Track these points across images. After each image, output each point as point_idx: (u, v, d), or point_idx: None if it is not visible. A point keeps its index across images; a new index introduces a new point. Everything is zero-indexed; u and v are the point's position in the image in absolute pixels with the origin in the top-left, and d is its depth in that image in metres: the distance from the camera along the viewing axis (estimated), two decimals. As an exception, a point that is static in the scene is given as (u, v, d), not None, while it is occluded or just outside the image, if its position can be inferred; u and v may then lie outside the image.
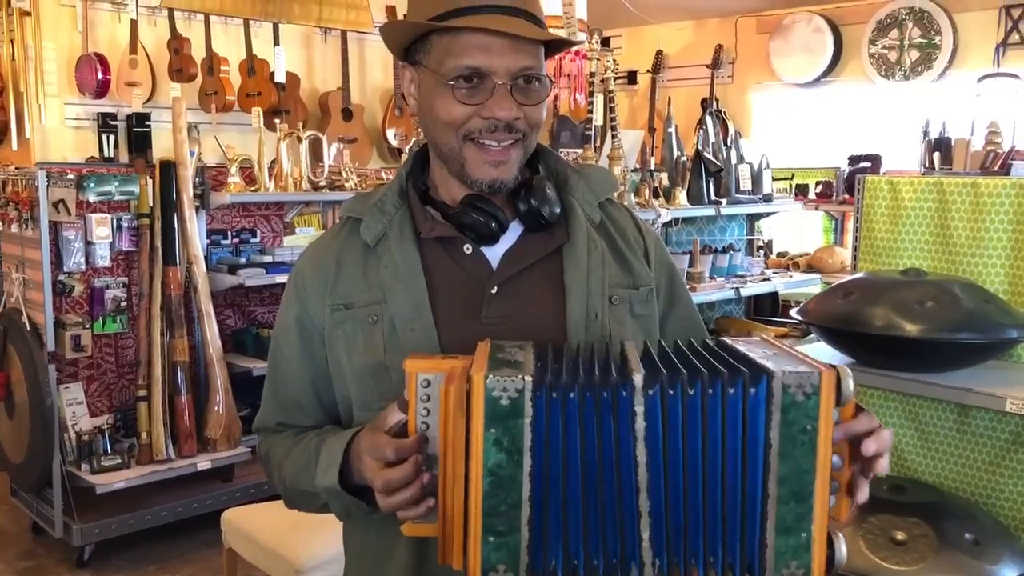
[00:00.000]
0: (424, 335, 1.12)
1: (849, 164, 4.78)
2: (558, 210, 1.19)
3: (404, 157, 5.03)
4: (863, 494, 0.97)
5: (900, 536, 2.03)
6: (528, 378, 0.91)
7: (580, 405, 0.92)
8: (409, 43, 1.15)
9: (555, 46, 1.19)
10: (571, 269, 1.18)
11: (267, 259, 4.07)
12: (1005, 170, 2.50)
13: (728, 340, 1.06)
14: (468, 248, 1.18)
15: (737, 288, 3.87)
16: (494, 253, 1.18)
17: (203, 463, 3.72)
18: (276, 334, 1.26)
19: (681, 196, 3.83)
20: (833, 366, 0.94)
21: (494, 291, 1.16)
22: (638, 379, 0.92)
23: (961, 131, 3.62)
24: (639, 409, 0.92)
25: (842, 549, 0.95)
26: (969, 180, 2.32)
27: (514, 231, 1.19)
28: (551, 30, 1.18)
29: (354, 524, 1.23)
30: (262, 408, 1.30)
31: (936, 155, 2.67)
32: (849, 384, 0.93)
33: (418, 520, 1.01)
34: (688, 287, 3.88)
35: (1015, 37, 4.63)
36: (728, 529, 0.95)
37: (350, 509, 1.13)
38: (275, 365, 1.27)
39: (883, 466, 0.97)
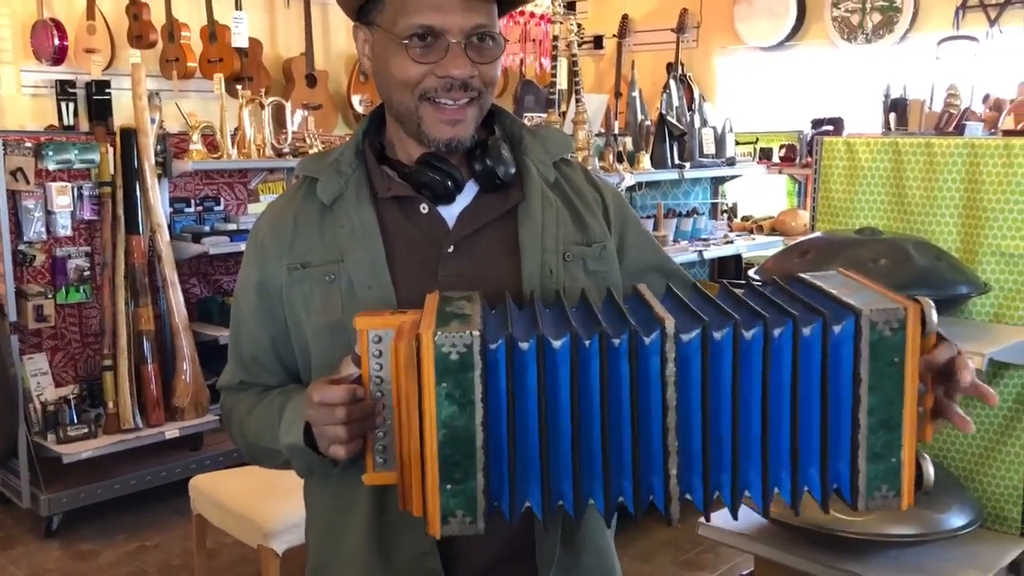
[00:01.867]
0: (381, 294, 1.14)
1: (812, 127, 4.82)
2: (513, 170, 1.21)
3: (369, 123, 5.00)
4: (953, 412, 1.00)
5: (854, 488, 2.09)
6: (475, 333, 0.93)
7: (573, 353, 0.95)
8: (363, 2, 1.15)
9: (507, 4, 1.19)
10: (526, 227, 1.19)
11: (231, 227, 4.05)
12: (959, 130, 2.55)
13: (807, 276, 1.08)
14: (424, 208, 1.19)
15: (700, 251, 3.91)
16: (450, 213, 1.19)
17: (171, 432, 3.72)
18: (237, 294, 1.27)
19: (645, 160, 3.85)
20: (917, 300, 0.97)
21: (450, 250, 1.17)
22: (670, 325, 0.95)
23: (922, 94, 3.67)
24: (671, 355, 0.95)
25: (930, 471, 0.99)
26: (923, 140, 2.36)
27: (470, 191, 1.21)
28: None
29: (315, 480, 1.25)
30: (226, 368, 1.31)
31: (892, 116, 2.71)
32: (933, 316, 0.96)
33: (378, 469, 1.04)
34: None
35: (974, 0, 4.68)
36: (805, 459, 0.98)
37: (312, 466, 1.15)
38: (237, 324, 1.28)
39: (969, 384, 1.00)
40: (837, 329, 0.95)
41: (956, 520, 2.08)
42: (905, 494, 0.98)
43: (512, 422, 0.96)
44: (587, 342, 0.95)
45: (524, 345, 0.95)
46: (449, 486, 0.95)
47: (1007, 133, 2.47)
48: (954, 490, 2.18)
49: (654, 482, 0.99)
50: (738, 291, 1.08)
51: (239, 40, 4.87)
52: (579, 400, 0.96)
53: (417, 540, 1.14)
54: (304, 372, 1.22)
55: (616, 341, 0.96)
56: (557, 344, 0.95)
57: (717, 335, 0.96)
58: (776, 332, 0.97)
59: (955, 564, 2.10)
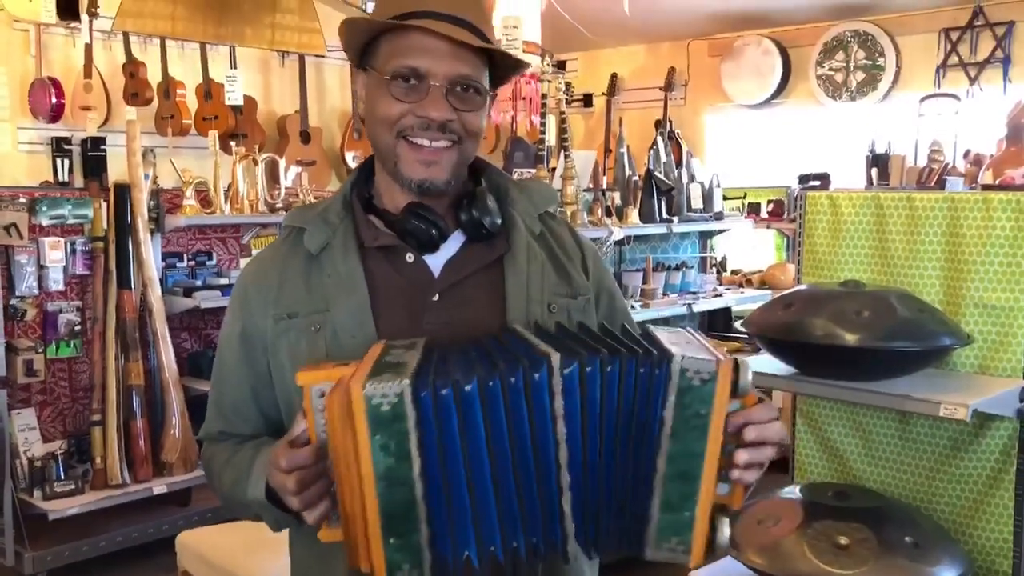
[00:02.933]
0: (365, 343, 1.15)
1: (799, 183, 4.89)
2: (499, 221, 1.23)
3: (361, 179, 5.05)
4: (751, 477, 1.01)
5: (843, 541, 2.09)
6: (406, 381, 0.92)
7: (481, 395, 0.95)
8: (363, 48, 1.20)
9: (509, 68, 1.24)
10: (511, 278, 1.21)
11: (223, 281, 4.07)
12: (940, 185, 2.59)
13: (651, 327, 1.10)
14: (410, 257, 1.21)
15: (689, 304, 3.94)
16: (436, 262, 1.21)
17: (159, 487, 3.69)
18: (220, 345, 1.29)
19: (633, 215, 3.90)
20: (735, 359, 0.98)
21: (435, 299, 1.19)
22: (555, 360, 0.95)
23: (906, 149, 3.74)
24: (557, 389, 0.95)
25: (724, 532, 0.99)
26: (904, 195, 2.40)
27: (456, 241, 1.23)
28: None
29: (297, 532, 1.25)
30: (207, 418, 1.32)
31: (874, 171, 2.76)
32: (747, 376, 0.98)
33: (331, 525, 1.03)
34: (641, 303, 3.90)
35: (954, 59, 4.79)
36: (628, 503, 0.99)
37: (279, 521, 1.16)
38: (219, 375, 1.29)
39: (766, 455, 1.01)
40: (657, 372, 0.96)
41: (946, 573, 2.07)
42: (695, 551, 0.97)
43: (445, 469, 0.95)
44: (491, 383, 0.95)
45: (444, 391, 0.94)
46: (392, 540, 0.94)
47: (986, 188, 2.51)
48: (945, 543, 2.18)
49: (555, 520, 0.98)
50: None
51: (233, 98, 4.94)
52: (492, 442, 0.96)
53: None
54: (287, 420, 1.23)
55: (513, 379, 0.95)
56: (468, 388, 0.95)
57: (588, 368, 0.97)
58: (627, 366, 0.97)
59: (946, 618, 2.09)
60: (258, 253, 1.31)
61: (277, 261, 1.25)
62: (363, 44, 1.20)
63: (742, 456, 0.99)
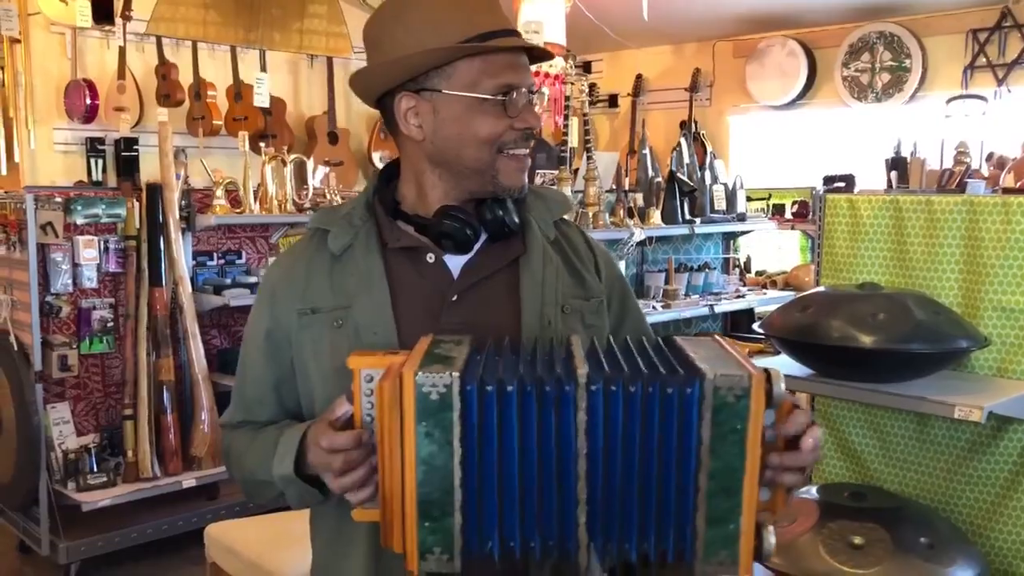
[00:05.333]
0: (386, 339, 1.20)
1: (824, 184, 4.88)
2: (519, 221, 1.28)
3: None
4: (792, 480, 1.05)
5: (857, 541, 2.11)
6: (456, 374, 0.98)
7: (519, 398, 0.99)
8: (420, 73, 1.21)
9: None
10: (527, 279, 1.26)
11: (252, 280, 4.14)
12: (961, 188, 2.60)
13: (678, 339, 1.13)
14: (431, 257, 1.26)
15: (711, 305, 3.96)
16: (455, 263, 1.26)
17: (188, 481, 3.77)
18: (246, 339, 1.34)
19: (655, 216, 3.92)
20: (766, 369, 1.00)
21: (454, 299, 1.24)
22: (582, 375, 0.99)
23: (932, 151, 3.73)
24: (582, 404, 0.99)
25: (770, 540, 1.02)
26: (923, 198, 2.42)
27: (477, 241, 1.27)
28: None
29: (321, 511, 1.30)
30: (229, 407, 1.38)
31: (893, 174, 2.77)
32: (780, 387, 1.00)
33: (366, 506, 1.08)
34: (663, 304, 3.91)
35: (982, 60, 4.76)
36: (662, 517, 1.02)
37: (303, 497, 1.21)
38: (243, 367, 1.35)
39: (807, 460, 1.04)
40: (688, 392, 0.98)
41: (962, 575, 2.09)
42: (743, 562, 1.00)
43: (481, 461, 1.00)
44: (529, 387, 0.99)
45: (489, 388, 0.99)
46: (427, 523, 0.99)
47: (1007, 191, 2.52)
48: (961, 545, 2.19)
49: (570, 529, 1.02)
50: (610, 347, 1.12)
51: (261, 100, 5.03)
52: (523, 442, 1.00)
53: None
54: (307, 413, 1.28)
55: (548, 389, 0.99)
56: (510, 388, 0.99)
57: (613, 388, 0.99)
58: (649, 390, 0.99)
59: (961, 619, 2.10)
60: (283, 253, 1.37)
61: (303, 260, 1.30)
62: (423, 71, 1.20)
63: (783, 463, 1.03)
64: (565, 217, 1.37)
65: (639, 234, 3.55)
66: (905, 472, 2.48)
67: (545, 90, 1.27)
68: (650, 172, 4.08)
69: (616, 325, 1.35)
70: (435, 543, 1.00)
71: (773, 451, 1.03)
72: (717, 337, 1.15)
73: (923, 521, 2.21)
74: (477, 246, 1.27)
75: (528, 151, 1.24)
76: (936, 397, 2.05)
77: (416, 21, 1.20)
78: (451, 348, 1.06)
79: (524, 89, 1.20)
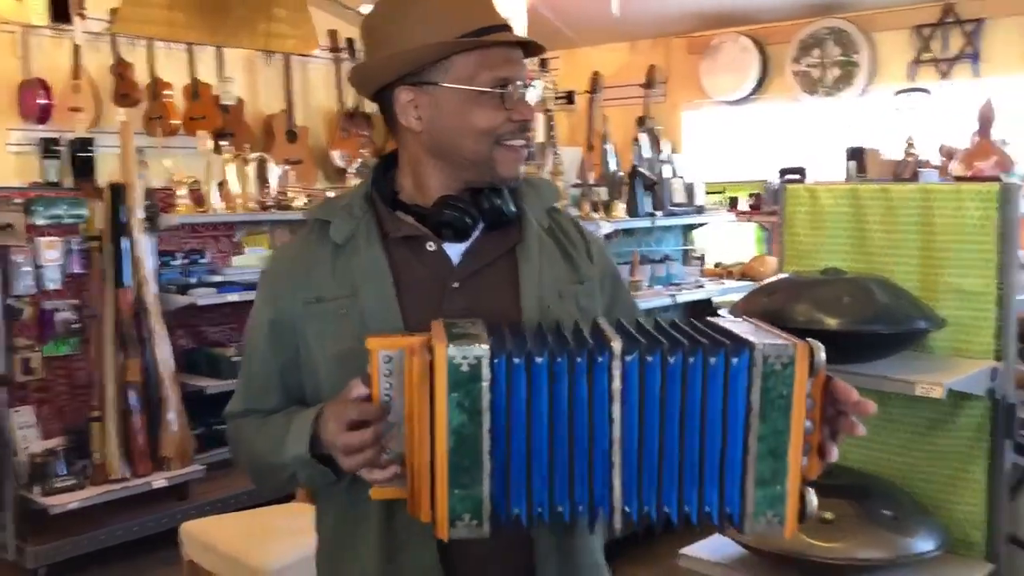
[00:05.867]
0: (391, 326, 1.24)
1: (779, 177, 5.01)
2: (515, 210, 1.34)
3: (349, 177, 5.14)
4: (833, 454, 1.12)
5: (828, 515, 2.20)
6: (485, 346, 1.04)
7: (550, 368, 1.05)
8: (419, 67, 1.25)
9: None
10: (524, 265, 1.32)
11: (217, 279, 4.13)
12: (914, 177, 2.71)
13: (717, 320, 1.19)
14: (431, 246, 1.31)
15: (673, 295, 4.06)
16: (455, 251, 1.31)
17: (158, 481, 3.76)
18: (250, 329, 1.37)
19: (620, 209, 4.01)
20: (808, 340, 1.07)
21: (455, 286, 1.29)
22: (616, 347, 1.05)
23: (881, 143, 3.87)
24: (616, 372, 1.05)
25: (813, 502, 1.09)
26: (881, 187, 2.52)
27: (474, 232, 1.32)
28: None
29: (330, 493, 1.33)
30: (233, 397, 1.40)
31: (852, 164, 2.88)
32: (821, 356, 1.06)
33: (383, 485, 1.12)
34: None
35: (926, 55, 4.92)
36: (706, 481, 1.08)
37: (315, 478, 1.24)
38: (248, 358, 1.38)
39: (857, 429, 1.12)
40: (735, 360, 1.05)
41: (924, 545, 2.19)
42: (789, 522, 1.07)
43: (509, 431, 1.05)
44: (559, 359, 1.05)
45: (517, 360, 1.05)
46: (457, 491, 1.04)
47: (958, 179, 2.63)
48: (921, 516, 2.29)
49: (603, 493, 1.07)
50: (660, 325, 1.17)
51: (228, 99, 5.02)
52: (553, 412, 1.06)
53: (421, 556, 1.23)
54: (312, 400, 1.32)
55: (580, 360, 1.05)
56: (540, 360, 1.05)
57: (649, 358, 1.06)
58: (691, 359, 1.06)
59: (925, 587, 2.21)
60: (283, 244, 1.41)
61: (305, 250, 1.34)
62: (423, 65, 1.25)
63: (833, 432, 1.11)
64: (556, 205, 1.43)
65: (606, 227, 3.62)
66: (868, 450, 2.57)
67: (539, 83, 1.32)
68: (613, 167, 4.16)
69: (608, 307, 1.40)
70: (465, 509, 1.05)
71: (809, 419, 1.09)
72: (750, 319, 1.20)
73: (887, 495, 2.31)
74: (475, 234, 1.32)
75: (524, 142, 1.29)
76: (898, 376, 2.15)
77: (415, 17, 1.25)
78: (469, 327, 1.11)
79: (519, 82, 1.25)
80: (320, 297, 1.29)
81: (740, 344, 1.06)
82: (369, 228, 1.31)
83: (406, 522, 1.10)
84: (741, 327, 1.14)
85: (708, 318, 1.19)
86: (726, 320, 1.18)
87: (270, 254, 1.46)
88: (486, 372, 1.03)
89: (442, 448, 1.04)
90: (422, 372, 1.04)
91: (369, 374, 1.11)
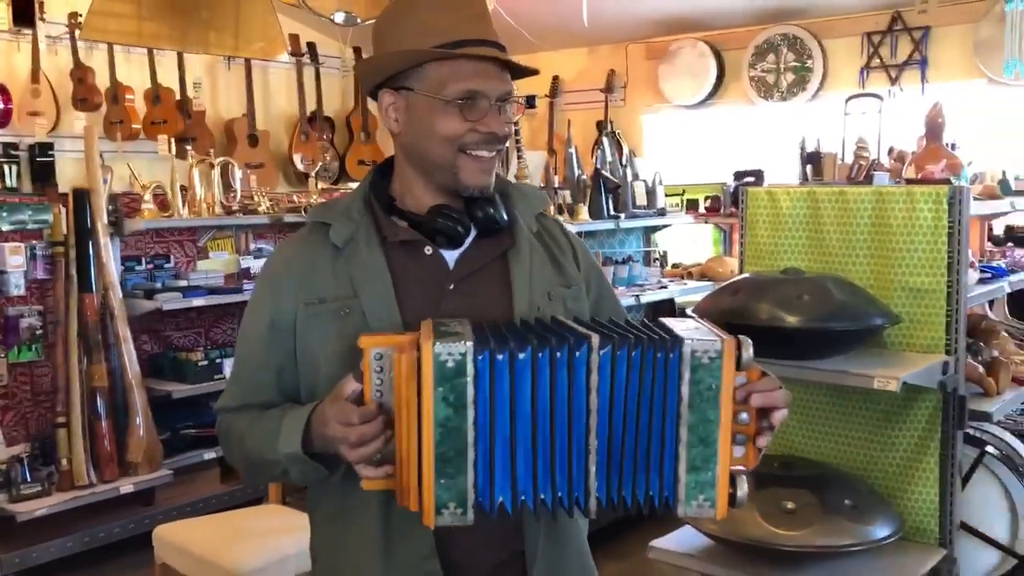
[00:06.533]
0: (390, 326, 1.30)
1: (735, 180, 5.12)
2: (507, 217, 1.40)
3: (311, 181, 5.16)
4: (764, 441, 1.19)
5: (790, 505, 2.29)
6: (469, 343, 1.10)
7: (533, 362, 1.12)
8: (398, 71, 1.32)
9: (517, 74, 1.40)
10: (516, 269, 1.38)
11: (182, 283, 4.13)
12: (868, 180, 2.82)
13: (664, 319, 1.27)
14: (428, 250, 1.36)
15: (637, 296, 4.15)
16: (451, 255, 1.37)
17: (125, 487, 3.75)
18: (246, 328, 1.41)
19: (583, 212, 4.08)
20: (737, 337, 1.15)
21: (451, 288, 1.35)
22: (595, 342, 1.13)
23: (834, 146, 3.98)
24: (594, 366, 1.13)
25: (743, 488, 1.16)
26: (837, 189, 2.62)
27: (467, 236, 1.38)
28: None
29: (323, 488, 1.38)
30: (225, 392, 1.45)
31: (809, 168, 2.98)
32: (748, 352, 1.15)
33: (376, 475, 1.18)
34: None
35: (876, 61, 5.07)
36: (651, 466, 1.16)
37: (308, 474, 1.30)
38: (242, 356, 1.42)
39: (778, 418, 1.19)
40: (672, 356, 1.14)
41: (880, 531, 2.29)
42: (720, 506, 1.16)
43: (493, 423, 1.12)
44: (540, 355, 1.12)
45: (500, 356, 1.11)
46: (443, 480, 1.11)
47: (909, 182, 2.74)
48: (878, 505, 2.40)
49: (580, 479, 1.15)
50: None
51: (199, 104, 5.01)
52: (536, 404, 1.13)
53: (418, 544, 1.29)
54: (307, 398, 1.36)
55: (559, 354, 1.13)
56: (522, 356, 1.12)
57: (619, 352, 1.14)
58: (648, 354, 1.14)
59: (882, 572, 2.31)
60: (283, 245, 1.45)
61: (304, 252, 1.38)
62: (401, 70, 1.32)
63: (765, 422, 1.18)
64: (543, 211, 1.49)
65: (570, 230, 3.69)
66: (826, 442, 2.68)
67: (520, 99, 1.38)
68: (576, 170, 4.23)
69: (594, 308, 1.47)
70: (450, 499, 1.11)
71: (744, 411, 1.16)
72: (696, 317, 1.28)
73: (846, 485, 2.42)
74: (468, 240, 1.37)
75: (493, 154, 1.34)
76: (857, 371, 2.24)
77: (407, 23, 1.32)
78: (455, 327, 1.17)
79: (494, 96, 1.30)
80: (322, 298, 1.34)
81: (675, 340, 1.14)
82: (368, 231, 1.36)
83: (404, 511, 1.16)
84: (685, 324, 1.22)
85: (664, 318, 1.27)
86: (675, 320, 1.26)
87: (269, 256, 1.49)
88: (470, 368, 1.10)
89: (428, 440, 1.10)
90: (410, 368, 1.10)
91: (361, 371, 1.16)
